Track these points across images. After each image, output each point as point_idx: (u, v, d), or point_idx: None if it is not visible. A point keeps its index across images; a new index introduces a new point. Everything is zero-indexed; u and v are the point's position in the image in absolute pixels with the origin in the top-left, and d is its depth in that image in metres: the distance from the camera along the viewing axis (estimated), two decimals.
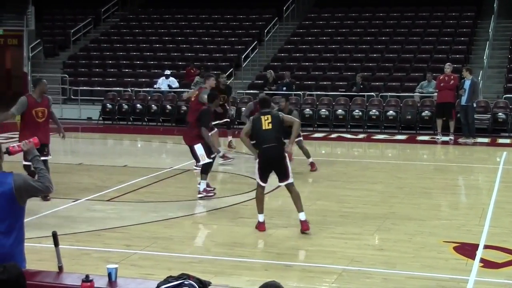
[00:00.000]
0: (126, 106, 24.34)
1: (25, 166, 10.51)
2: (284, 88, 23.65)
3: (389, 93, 23.35)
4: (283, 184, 9.78)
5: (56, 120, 12.00)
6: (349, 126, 22.44)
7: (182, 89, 24.43)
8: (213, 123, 14.09)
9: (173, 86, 25.00)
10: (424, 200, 11.91)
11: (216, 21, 30.23)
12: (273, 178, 9.92)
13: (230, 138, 17.20)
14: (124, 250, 8.68)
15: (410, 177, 14.24)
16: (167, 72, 25.22)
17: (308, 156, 14.62)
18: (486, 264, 8.22)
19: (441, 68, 21.02)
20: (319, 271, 7.96)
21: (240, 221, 10.37)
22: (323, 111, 22.71)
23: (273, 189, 11.67)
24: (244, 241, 9.22)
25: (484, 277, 7.76)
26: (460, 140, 19.43)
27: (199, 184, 11.84)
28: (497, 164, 16.07)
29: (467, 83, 19.32)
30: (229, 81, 26.05)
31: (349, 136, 21.07)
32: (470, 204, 12.03)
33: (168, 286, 4.68)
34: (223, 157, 15.15)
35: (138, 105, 24.25)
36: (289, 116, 10.69)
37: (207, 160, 11.87)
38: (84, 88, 26.30)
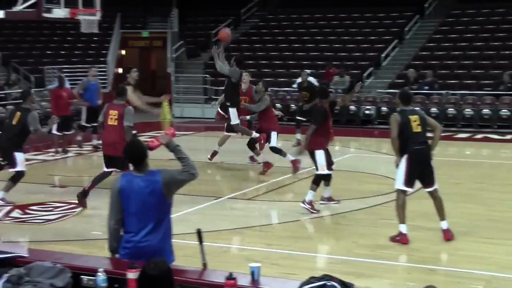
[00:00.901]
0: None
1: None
2: (426, 87, 23.06)
3: None
4: (428, 190, 9.26)
5: None
6: (495, 126, 21.56)
7: None
8: None
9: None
10: None
11: (355, 19, 29.92)
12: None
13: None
14: (265, 248, 8.71)
15: None
16: (307, 71, 25.17)
17: None
18: None
19: None
20: (466, 277, 7.66)
21: (381, 222, 10.16)
22: (468, 111, 21.96)
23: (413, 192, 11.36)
24: (386, 243, 9.01)
25: None
26: None
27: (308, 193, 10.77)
28: None
29: None
30: (369, 81, 25.83)
31: (496, 136, 20.21)
32: None
33: (311, 287, 4.61)
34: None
35: (278, 104, 24.34)
36: (432, 119, 10.09)
37: (325, 172, 10.91)
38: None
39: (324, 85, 13.23)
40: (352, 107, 23.22)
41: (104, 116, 11.39)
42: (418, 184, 9.43)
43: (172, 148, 5.64)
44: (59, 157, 16.60)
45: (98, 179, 11.32)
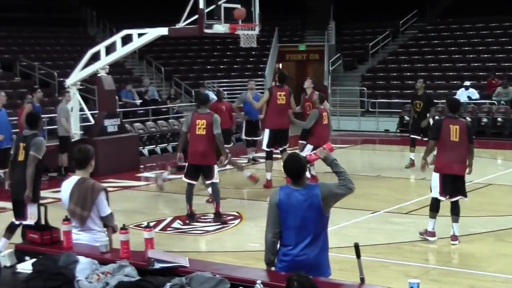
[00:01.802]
0: None
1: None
2: None
3: None
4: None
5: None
6: None
7: (483, 101, 23.54)
8: None
9: (473, 97, 24.15)
10: None
11: None
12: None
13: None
14: (423, 264, 8.52)
15: None
16: (467, 83, 24.44)
17: None
18: None
19: None
20: None
21: None
22: None
23: None
24: None
25: None
26: None
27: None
28: None
29: None
30: None
31: None
32: None
33: None
34: None
35: (437, 117, 23.75)
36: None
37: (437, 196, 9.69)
38: (382, 100, 26.46)
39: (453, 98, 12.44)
40: None
41: (190, 126, 11.14)
42: None
43: (330, 162, 5.65)
44: (218, 169, 16.97)
45: (189, 197, 11.32)
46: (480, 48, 28.25)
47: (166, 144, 20.37)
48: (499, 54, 27.38)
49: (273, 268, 5.58)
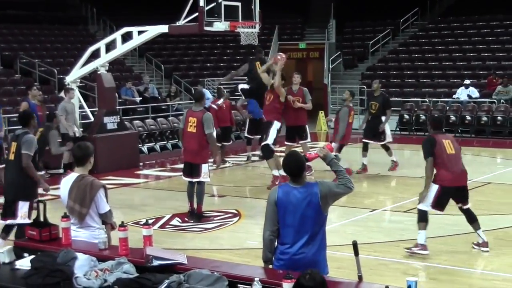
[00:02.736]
0: (423, 117, 24.02)
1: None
2: None
3: None
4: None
5: None
6: None
7: (483, 99, 23.55)
8: None
9: (473, 96, 24.16)
10: None
11: None
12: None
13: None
14: (422, 262, 8.52)
15: None
16: (467, 81, 24.45)
17: None
18: None
19: None
20: None
21: None
22: None
23: None
24: None
25: None
26: None
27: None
28: None
29: None
30: None
31: None
32: None
33: None
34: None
35: (436, 115, 23.78)
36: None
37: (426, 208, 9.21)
38: None
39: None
40: None
41: (183, 123, 11.10)
42: None
43: (329, 161, 5.66)
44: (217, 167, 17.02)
45: (190, 195, 11.21)
46: (481, 46, 28.25)
47: (165, 142, 20.38)
48: (500, 53, 27.39)
49: (270, 266, 5.59)
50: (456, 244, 9.50)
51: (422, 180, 14.05)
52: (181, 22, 15.49)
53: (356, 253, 5.30)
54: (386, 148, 15.36)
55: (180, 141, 11.44)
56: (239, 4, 15.10)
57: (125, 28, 16.92)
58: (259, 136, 15.50)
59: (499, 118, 22.35)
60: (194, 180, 11.10)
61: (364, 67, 30.32)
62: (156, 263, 5.26)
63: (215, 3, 14.86)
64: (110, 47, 17.48)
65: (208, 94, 23.26)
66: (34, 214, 6.13)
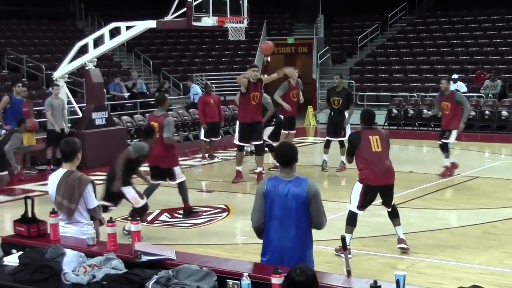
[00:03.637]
0: (412, 111, 24.11)
1: None
2: None
3: None
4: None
5: None
6: None
7: (471, 94, 23.62)
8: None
9: (461, 90, 24.18)
10: None
11: (509, 21, 28.77)
12: None
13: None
14: (410, 257, 8.54)
15: None
16: (455, 76, 24.52)
17: None
18: None
19: None
20: None
21: None
22: None
23: None
24: None
25: None
26: None
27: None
28: None
29: None
30: None
31: None
32: None
33: None
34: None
35: (425, 110, 23.86)
36: None
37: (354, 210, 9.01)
38: (370, 93, 26.52)
39: None
40: (504, 113, 22.31)
41: None
42: None
43: None
44: (206, 162, 17.04)
45: (148, 192, 10.83)
46: (469, 41, 28.34)
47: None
48: (487, 48, 27.47)
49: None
50: (444, 238, 9.54)
51: (411, 175, 14.19)
52: (169, 17, 15.46)
53: (345, 247, 5.31)
54: (342, 145, 14.65)
55: None
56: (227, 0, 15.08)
57: (113, 23, 16.86)
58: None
59: (486, 112, 22.44)
60: (171, 182, 11.00)
61: (352, 62, 30.35)
62: (144, 258, 5.26)
63: None
64: (98, 42, 17.42)
65: (197, 89, 23.26)
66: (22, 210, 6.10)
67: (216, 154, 17.65)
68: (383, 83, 27.29)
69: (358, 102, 26.68)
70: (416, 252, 8.78)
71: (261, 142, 13.81)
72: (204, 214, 11.48)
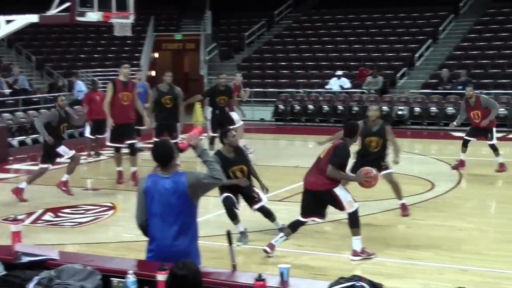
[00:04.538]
0: (298, 107, 24.53)
1: None
2: (460, 87, 22.85)
3: None
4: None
5: None
6: None
7: (354, 90, 24.27)
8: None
9: (345, 86, 24.89)
10: None
11: (389, 19, 29.77)
12: None
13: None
14: (296, 250, 8.70)
15: None
16: (339, 72, 25.15)
17: None
18: None
19: None
20: (498, 277, 7.58)
21: (413, 223, 10.11)
22: (502, 111, 21.67)
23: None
24: (418, 243, 8.97)
25: None
26: None
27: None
28: None
29: None
30: (402, 81, 25.66)
31: None
32: None
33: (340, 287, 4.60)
34: None
35: (310, 106, 24.36)
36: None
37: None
38: (258, 89, 26.78)
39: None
40: (385, 108, 23.07)
41: None
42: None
43: (200, 151, 5.66)
44: (91, 160, 16.76)
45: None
46: (352, 38, 29.09)
47: (37, 135, 19.78)
48: (369, 45, 28.30)
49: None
50: (328, 231, 9.75)
51: (296, 169, 14.42)
52: (53, 11, 15.06)
53: (230, 242, 5.35)
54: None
55: None
56: None
57: None
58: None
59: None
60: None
61: (240, 58, 30.56)
62: (25, 259, 5.13)
63: None
64: None
65: (81, 86, 22.79)
66: None
67: (102, 152, 17.36)
68: (270, 79, 27.62)
69: (247, 98, 26.92)
70: (301, 246, 8.94)
71: (134, 141, 13.63)
72: (89, 212, 11.29)
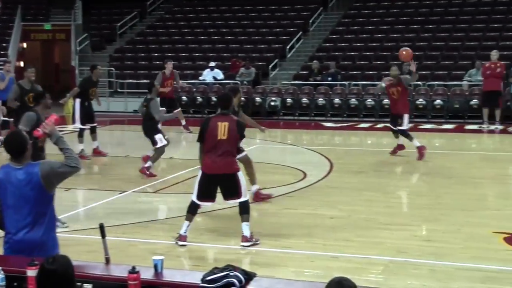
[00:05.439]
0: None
1: None
2: (330, 79, 23.55)
3: (437, 82, 23.03)
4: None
5: None
6: None
7: (227, 81, 24.47)
8: None
9: (218, 78, 25.05)
10: (473, 190, 11.74)
11: (261, 12, 30.18)
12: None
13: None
14: (170, 242, 8.72)
15: (458, 166, 14.02)
16: (212, 64, 25.28)
17: None
18: None
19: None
20: (365, 262, 7.90)
21: (285, 212, 10.35)
22: (369, 101, 22.52)
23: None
24: (290, 232, 9.19)
25: None
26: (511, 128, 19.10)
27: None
28: None
29: None
30: (274, 72, 26.12)
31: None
32: None
33: (214, 278, 4.67)
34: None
35: (184, 97, 24.35)
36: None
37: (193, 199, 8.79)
38: (130, 81, 26.52)
39: None
40: (258, 99, 23.44)
41: None
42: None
43: (55, 138, 5.52)
44: None
45: None
46: (224, 30, 29.29)
47: None
48: (242, 37, 28.60)
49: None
50: (202, 222, 9.84)
51: (170, 161, 14.45)
52: None
53: (103, 235, 5.32)
54: (93, 131, 15.57)
55: None
56: None
57: None
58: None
59: (242, 98, 23.34)
60: None
61: (112, 49, 30.13)
62: None
63: None
64: None
65: None
66: None
67: None
68: (143, 71, 27.39)
69: (118, 90, 26.64)
70: (176, 237, 8.98)
71: None
72: None
